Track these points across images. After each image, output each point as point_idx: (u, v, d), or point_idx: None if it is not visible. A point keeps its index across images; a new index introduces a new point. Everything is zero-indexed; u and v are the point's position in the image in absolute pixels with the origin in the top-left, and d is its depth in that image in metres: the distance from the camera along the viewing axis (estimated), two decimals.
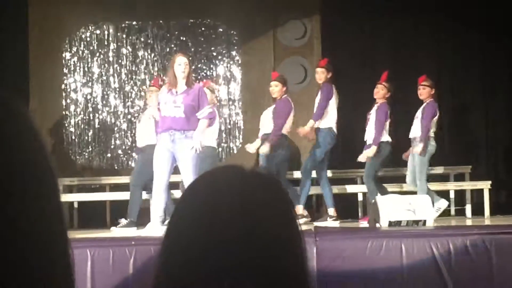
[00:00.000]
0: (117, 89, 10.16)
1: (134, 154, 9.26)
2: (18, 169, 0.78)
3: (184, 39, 10.19)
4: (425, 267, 5.18)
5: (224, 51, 10.22)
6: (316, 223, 7.36)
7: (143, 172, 7.74)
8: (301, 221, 7.57)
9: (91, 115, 10.12)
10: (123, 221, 7.90)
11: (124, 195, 8.56)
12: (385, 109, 8.01)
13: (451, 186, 8.94)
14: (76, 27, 10.13)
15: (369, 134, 8.08)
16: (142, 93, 10.11)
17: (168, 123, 6.62)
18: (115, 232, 7.52)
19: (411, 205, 6.31)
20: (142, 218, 7.73)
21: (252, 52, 10.08)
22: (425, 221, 6.26)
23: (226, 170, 1.08)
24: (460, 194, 8.99)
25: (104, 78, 10.16)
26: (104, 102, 10.14)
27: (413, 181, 7.89)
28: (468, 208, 8.84)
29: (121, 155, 10.10)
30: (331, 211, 8.07)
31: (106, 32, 10.19)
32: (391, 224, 6.21)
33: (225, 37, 10.20)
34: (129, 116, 10.09)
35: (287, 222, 1.04)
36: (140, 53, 10.17)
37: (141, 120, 8.27)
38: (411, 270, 5.17)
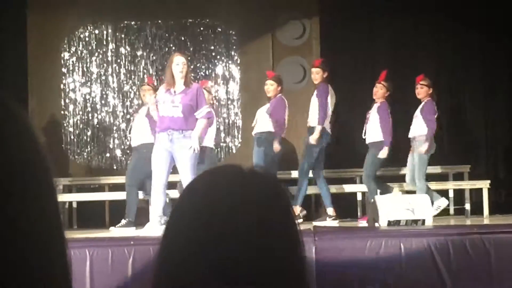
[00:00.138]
0: (116, 89, 10.16)
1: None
2: (18, 169, 0.78)
3: (182, 39, 10.19)
4: (424, 267, 5.18)
5: (222, 51, 10.22)
6: (315, 223, 7.36)
7: (137, 170, 7.74)
8: (298, 221, 7.60)
9: (90, 115, 10.11)
10: (122, 221, 7.90)
11: (123, 195, 8.56)
12: (386, 109, 8.01)
13: (450, 186, 8.94)
14: (75, 27, 10.13)
15: (369, 134, 8.08)
16: (140, 94, 10.11)
17: (166, 123, 6.62)
18: (114, 232, 7.51)
19: (410, 205, 6.32)
20: (141, 218, 7.74)
21: (250, 51, 10.08)
22: (424, 220, 6.27)
23: (225, 170, 1.08)
24: (459, 193, 9.00)
25: (103, 78, 10.16)
26: (103, 102, 10.14)
27: (413, 180, 7.90)
28: (467, 207, 8.85)
29: (120, 155, 10.10)
30: (330, 210, 8.07)
31: (104, 32, 10.19)
32: (390, 223, 6.21)
33: (223, 37, 10.20)
34: (128, 116, 10.08)
35: (286, 221, 1.04)
36: (139, 53, 10.17)
37: (136, 119, 8.26)
38: (410, 269, 5.17)
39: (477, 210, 8.78)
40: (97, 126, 10.11)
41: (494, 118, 10.27)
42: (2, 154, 0.77)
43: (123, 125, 10.07)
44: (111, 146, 10.10)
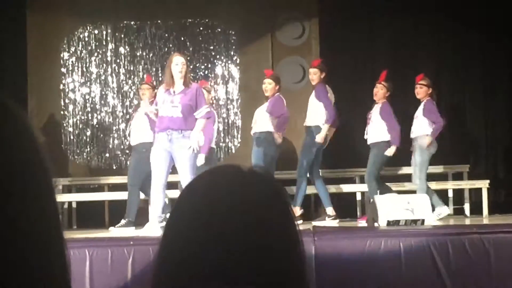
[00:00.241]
0: (115, 89, 10.16)
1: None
2: (17, 169, 0.78)
3: (182, 39, 10.19)
4: (423, 266, 5.18)
5: (222, 51, 10.22)
6: (314, 223, 7.36)
7: (138, 170, 7.74)
8: (298, 222, 7.60)
9: (89, 115, 10.11)
10: (121, 221, 7.90)
11: (122, 195, 8.56)
12: (389, 109, 8.02)
13: (450, 185, 8.95)
14: (75, 27, 10.13)
15: (371, 134, 8.08)
16: (139, 94, 10.11)
17: (165, 123, 6.62)
18: (114, 232, 7.51)
19: (410, 205, 6.31)
20: (141, 218, 7.73)
21: (250, 51, 10.08)
22: (423, 220, 6.26)
23: (224, 170, 1.08)
24: (458, 193, 9.00)
25: (103, 78, 10.16)
26: (102, 102, 10.14)
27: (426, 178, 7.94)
28: (467, 207, 8.85)
29: (120, 155, 10.09)
30: (329, 210, 8.06)
31: (104, 32, 10.19)
32: (389, 223, 6.21)
33: (223, 37, 10.20)
34: (127, 116, 10.08)
35: (285, 221, 1.04)
36: (139, 53, 10.17)
37: (134, 118, 8.25)
38: (409, 269, 5.17)
39: (476, 210, 8.79)
40: (97, 126, 10.11)
41: (494, 118, 10.27)
42: (1, 155, 0.77)
43: (122, 125, 10.07)
44: (110, 146, 10.10)
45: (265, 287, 0.98)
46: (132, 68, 10.17)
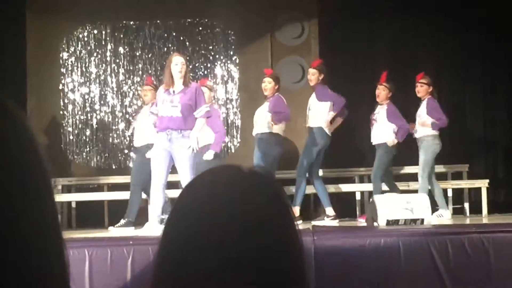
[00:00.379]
0: (115, 89, 10.16)
1: (131, 154, 9.25)
2: (16, 170, 0.78)
3: (181, 38, 10.19)
4: (423, 266, 5.18)
5: (221, 51, 10.21)
6: (314, 222, 7.36)
7: (142, 171, 7.73)
8: (298, 222, 7.60)
9: (89, 115, 10.11)
10: (121, 221, 7.89)
11: (122, 195, 8.56)
12: (395, 109, 8.04)
13: (449, 185, 8.95)
14: (74, 27, 10.12)
15: (376, 135, 8.08)
16: (140, 93, 10.10)
17: (165, 123, 6.62)
18: (113, 232, 7.51)
19: (409, 204, 6.31)
20: (140, 218, 7.73)
21: (249, 51, 10.08)
22: (423, 219, 6.27)
23: (224, 170, 1.08)
24: (458, 192, 9.00)
25: (102, 78, 10.16)
26: (101, 101, 10.14)
27: (430, 176, 7.95)
28: (466, 206, 8.85)
29: (119, 155, 10.09)
30: (329, 210, 8.06)
31: (103, 32, 10.19)
32: (389, 223, 6.21)
33: (222, 37, 10.19)
34: (127, 116, 10.08)
35: (285, 222, 1.04)
36: (138, 52, 10.17)
37: (138, 120, 8.25)
38: (409, 269, 5.17)
39: (476, 209, 8.79)
40: (96, 126, 10.11)
41: (494, 117, 10.28)
42: (0, 155, 0.77)
43: (122, 125, 10.07)
44: (110, 146, 10.10)
45: (265, 287, 0.98)
46: (131, 68, 10.17)
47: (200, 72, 10.12)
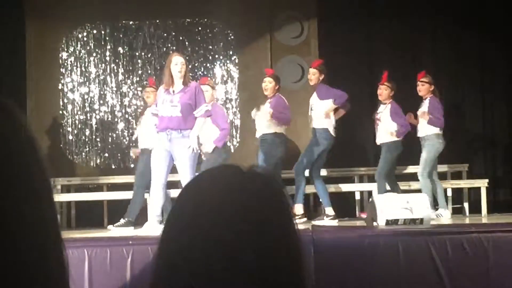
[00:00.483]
0: (114, 89, 10.15)
1: (131, 154, 9.24)
2: (15, 170, 0.78)
3: (181, 38, 10.19)
4: (422, 266, 5.19)
5: (221, 50, 10.21)
6: (313, 222, 7.36)
7: (146, 173, 7.72)
8: (301, 220, 7.59)
9: (88, 114, 10.11)
10: (121, 220, 7.89)
11: (121, 195, 8.56)
12: (398, 108, 8.04)
13: (449, 185, 8.95)
14: (73, 27, 10.12)
15: (381, 135, 8.09)
16: (139, 93, 10.10)
17: (165, 123, 6.62)
18: (112, 231, 7.51)
19: (408, 204, 6.31)
20: (140, 218, 7.73)
21: (248, 51, 10.09)
22: (422, 219, 6.26)
23: (224, 170, 1.08)
24: (457, 192, 9.00)
25: (101, 77, 10.16)
26: (101, 101, 10.14)
27: (431, 175, 7.96)
28: (466, 206, 8.85)
29: (118, 155, 10.09)
30: (329, 210, 8.05)
31: (103, 32, 10.19)
32: (388, 222, 6.21)
33: (222, 36, 10.19)
34: (126, 116, 10.08)
35: (285, 221, 1.04)
36: (137, 52, 10.17)
37: (142, 121, 8.23)
38: (408, 268, 5.17)
39: (475, 209, 8.79)
40: (96, 126, 10.11)
41: (493, 117, 10.28)
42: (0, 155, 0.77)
43: (121, 125, 10.07)
44: (109, 146, 10.09)
45: (264, 286, 0.98)
46: (130, 68, 10.17)
47: (200, 72, 10.12)
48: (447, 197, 8.55)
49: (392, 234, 5.41)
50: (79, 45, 10.15)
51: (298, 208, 7.83)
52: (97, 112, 10.12)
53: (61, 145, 9.97)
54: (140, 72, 10.14)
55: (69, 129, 10.06)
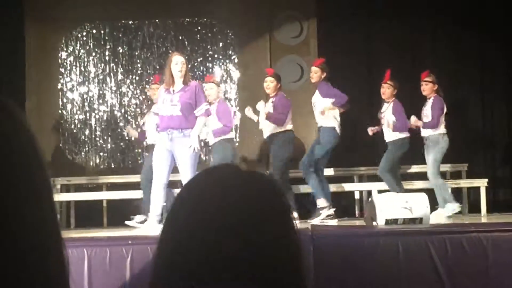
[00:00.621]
0: (114, 88, 10.15)
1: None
2: (15, 169, 0.78)
3: (180, 38, 10.19)
4: (421, 265, 5.19)
5: (220, 50, 10.21)
6: (311, 221, 7.36)
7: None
8: (329, 212, 7.56)
9: (87, 114, 10.11)
10: (137, 217, 7.77)
11: (121, 195, 8.56)
12: (399, 106, 8.06)
13: (448, 184, 8.94)
14: (72, 26, 10.12)
15: (387, 133, 8.09)
16: (139, 93, 10.11)
17: (165, 122, 6.63)
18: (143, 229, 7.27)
19: (408, 203, 6.32)
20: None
21: (248, 51, 10.08)
22: (421, 219, 6.27)
23: (222, 169, 1.08)
24: (457, 191, 9.00)
25: (101, 77, 10.15)
26: (100, 101, 10.13)
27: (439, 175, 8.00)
28: (465, 206, 8.85)
29: (118, 155, 10.09)
30: (320, 201, 7.99)
31: (102, 31, 10.18)
32: (387, 222, 6.21)
33: (221, 36, 10.19)
34: (126, 115, 10.08)
35: (283, 220, 1.04)
36: (137, 52, 10.16)
37: (149, 118, 8.20)
38: (408, 268, 5.18)
39: (474, 208, 8.79)
40: (95, 125, 10.11)
41: (493, 117, 10.28)
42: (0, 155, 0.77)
43: (121, 125, 10.07)
44: (109, 145, 10.09)
45: (263, 285, 0.98)
46: (130, 68, 10.17)
47: (199, 72, 10.12)
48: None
49: (392, 233, 5.41)
50: (78, 45, 10.15)
51: (323, 202, 7.78)
52: (96, 111, 10.12)
53: (61, 145, 9.96)
54: (139, 72, 10.14)
55: (69, 128, 10.06)
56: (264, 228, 1.00)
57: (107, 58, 10.17)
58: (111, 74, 10.15)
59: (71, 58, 10.14)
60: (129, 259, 5.15)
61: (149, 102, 8.92)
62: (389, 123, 7.99)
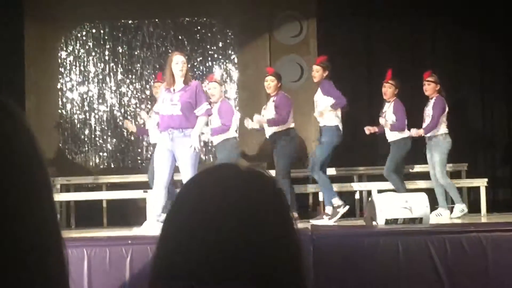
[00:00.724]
0: (113, 88, 10.15)
1: (125, 125, 9.19)
2: (15, 169, 0.78)
3: (180, 37, 10.18)
4: (421, 265, 5.19)
5: (220, 50, 10.21)
6: (312, 222, 7.36)
7: None
8: (344, 209, 7.55)
9: (87, 114, 10.11)
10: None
11: (120, 195, 8.55)
12: (400, 105, 8.06)
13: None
14: (72, 26, 10.12)
15: (389, 133, 8.09)
16: (138, 92, 10.10)
17: (166, 122, 6.62)
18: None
19: (408, 203, 6.32)
20: (140, 217, 7.69)
21: (248, 50, 10.08)
22: (421, 219, 6.27)
23: (222, 169, 1.08)
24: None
25: (100, 77, 10.15)
26: (100, 101, 10.13)
27: (435, 176, 7.96)
28: (465, 205, 8.84)
29: (118, 154, 10.09)
30: (329, 209, 8.03)
31: (102, 31, 10.18)
32: (387, 222, 6.22)
33: (221, 36, 10.19)
34: (125, 115, 10.07)
35: (283, 220, 1.04)
36: (136, 52, 10.16)
37: (152, 116, 8.18)
38: (407, 268, 5.18)
39: (474, 208, 8.79)
40: (95, 125, 10.10)
41: (492, 117, 10.27)
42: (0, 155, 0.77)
43: (120, 124, 10.07)
44: (108, 145, 10.09)
45: (263, 285, 0.98)
46: (129, 67, 10.17)
47: (199, 72, 10.12)
48: (446, 196, 8.54)
49: (392, 233, 5.41)
50: (78, 45, 10.15)
51: (337, 201, 7.77)
52: (96, 111, 10.12)
53: (60, 145, 9.96)
54: (139, 71, 10.14)
55: (68, 128, 10.05)
56: (264, 228, 1.00)
57: (106, 57, 10.16)
58: (111, 73, 10.15)
59: (71, 57, 10.14)
60: (129, 259, 5.15)
61: (152, 102, 8.92)
62: (387, 123, 7.99)
